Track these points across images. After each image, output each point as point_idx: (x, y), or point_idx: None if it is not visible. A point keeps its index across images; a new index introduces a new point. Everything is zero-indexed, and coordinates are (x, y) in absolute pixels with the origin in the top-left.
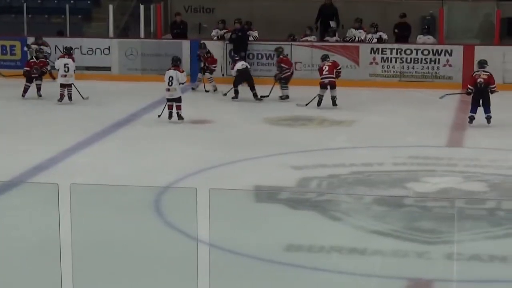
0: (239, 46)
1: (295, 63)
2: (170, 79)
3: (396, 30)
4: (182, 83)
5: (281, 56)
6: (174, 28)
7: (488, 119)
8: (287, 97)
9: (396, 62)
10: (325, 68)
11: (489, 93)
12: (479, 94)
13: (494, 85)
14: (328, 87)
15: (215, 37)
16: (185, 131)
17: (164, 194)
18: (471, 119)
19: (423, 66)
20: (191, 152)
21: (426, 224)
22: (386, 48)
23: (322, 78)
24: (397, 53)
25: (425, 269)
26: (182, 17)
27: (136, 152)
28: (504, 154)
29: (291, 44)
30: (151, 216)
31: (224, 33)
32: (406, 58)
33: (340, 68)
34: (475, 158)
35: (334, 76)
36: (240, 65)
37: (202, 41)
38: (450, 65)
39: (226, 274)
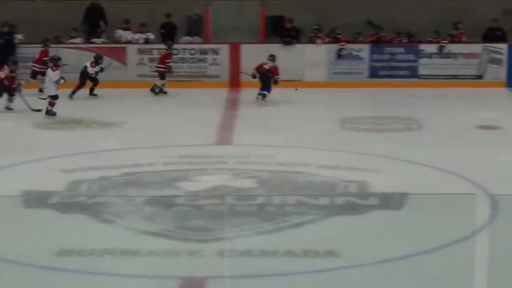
0: (7, 50)
1: (64, 65)
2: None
3: (162, 30)
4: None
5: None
6: None
7: (262, 96)
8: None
9: None
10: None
11: (270, 78)
12: (263, 77)
13: (277, 76)
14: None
15: None
16: None
17: None
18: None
19: (190, 66)
20: None
21: (198, 222)
22: (153, 49)
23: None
24: None
25: (198, 268)
26: None
27: None
28: (272, 151)
29: (58, 47)
30: None
31: None
32: (173, 58)
33: (169, 62)
34: (244, 155)
35: (163, 66)
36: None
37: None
38: (217, 64)
39: None
